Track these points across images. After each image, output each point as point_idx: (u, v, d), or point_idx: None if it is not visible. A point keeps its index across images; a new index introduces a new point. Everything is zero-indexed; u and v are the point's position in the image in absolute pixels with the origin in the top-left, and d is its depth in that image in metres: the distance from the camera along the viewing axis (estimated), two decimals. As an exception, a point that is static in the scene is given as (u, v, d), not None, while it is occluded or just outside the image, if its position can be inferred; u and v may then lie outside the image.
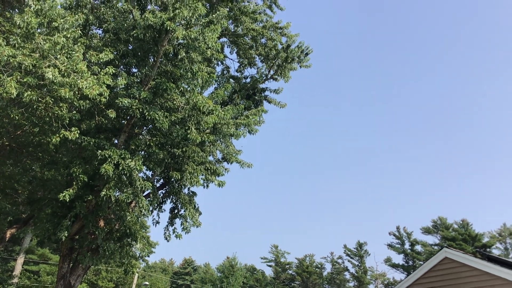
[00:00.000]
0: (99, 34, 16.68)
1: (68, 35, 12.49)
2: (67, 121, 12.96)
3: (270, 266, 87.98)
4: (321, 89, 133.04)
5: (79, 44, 13.42)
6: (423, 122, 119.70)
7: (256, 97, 20.68)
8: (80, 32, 14.15)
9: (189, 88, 15.26)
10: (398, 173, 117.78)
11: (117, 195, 13.84)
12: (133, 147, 14.45)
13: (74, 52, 12.52)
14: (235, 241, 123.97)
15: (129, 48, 15.50)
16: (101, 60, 13.41)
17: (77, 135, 12.66)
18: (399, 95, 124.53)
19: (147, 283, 49.66)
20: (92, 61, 13.47)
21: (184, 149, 14.86)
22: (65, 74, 11.95)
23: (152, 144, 14.51)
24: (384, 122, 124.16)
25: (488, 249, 61.29)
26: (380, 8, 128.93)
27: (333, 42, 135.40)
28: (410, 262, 66.01)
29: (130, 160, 13.10)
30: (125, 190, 13.33)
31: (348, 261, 78.32)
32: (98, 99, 12.53)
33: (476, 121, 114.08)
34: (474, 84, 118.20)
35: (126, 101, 13.38)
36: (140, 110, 13.57)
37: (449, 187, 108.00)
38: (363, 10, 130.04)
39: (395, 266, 70.94)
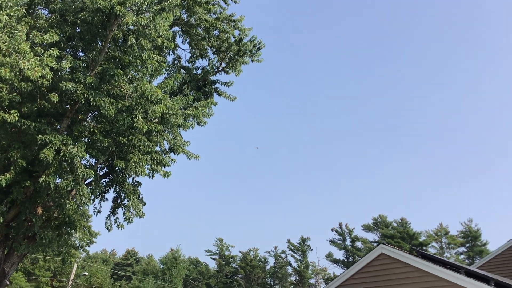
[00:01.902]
0: (45, 15, 16.05)
1: (12, 13, 11.95)
2: (7, 103, 12.42)
3: (214, 259, 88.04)
4: (272, 87, 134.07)
5: (22, 24, 12.87)
6: (372, 119, 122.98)
7: (207, 89, 20.53)
8: (25, 11, 13.57)
9: (137, 76, 14.95)
10: (343, 171, 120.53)
11: (57, 182, 13.41)
12: (76, 133, 14.00)
13: (16, 32, 12.00)
14: (180, 234, 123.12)
15: (76, 31, 14.98)
16: (46, 42, 12.92)
17: (17, 118, 12.18)
18: (348, 92, 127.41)
19: (86, 273, 48.43)
20: (36, 42, 12.96)
21: (130, 137, 14.54)
22: (6, 53, 11.43)
23: (96, 131, 14.12)
24: (331, 119, 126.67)
25: (424, 248, 63.89)
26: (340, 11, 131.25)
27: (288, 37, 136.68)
28: (350, 258, 67.87)
29: (72, 146, 12.70)
30: (65, 177, 12.90)
31: (291, 255, 79.55)
32: (40, 82, 12.08)
33: (424, 124, 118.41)
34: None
35: (70, 85, 12.94)
36: (85, 95, 13.17)
37: (391, 187, 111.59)
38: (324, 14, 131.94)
39: (336, 261, 72.74)
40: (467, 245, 66.87)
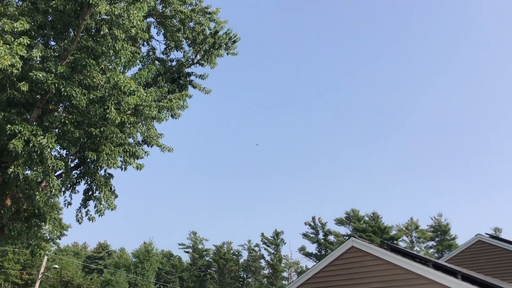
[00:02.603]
0: (16, 2, 15.66)
1: (-20, 0, 11.61)
2: (-26, 92, 12.10)
3: (187, 252, 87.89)
4: (249, 80, 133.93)
5: (-9, 11, 12.53)
6: (344, 114, 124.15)
7: (181, 81, 20.38)
8: (-6, -2, 13.20)
9: (110, 66, 14.74)
10: (317, 165, 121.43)
11: (27, 173, 13.15)
12: (46, 123, 13.73)
13: (-15, 19, 11.68)
14: (153, 227, 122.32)
15: (48, 19, 14.66)
16: (16, 30, 12.61)
17: (-16, 107, 11.88)
18: (326, 85, 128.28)
19: (56, 266, 47.71)
20: (6, 30, 12.63)
21: (102, 129, 14.34)
22: (-26, 41, 11.12)
23: (67, 122, 13.88)
24: (308, 116, 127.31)
25: (395, 241, 65.04)
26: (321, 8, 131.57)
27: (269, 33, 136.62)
28: (323, 252, 68.65)
29: (42, 137, 12.47)
30: (35, 168, 12.66)
31: (265, 249, 79.98)
32: (10, 70, 11.80)
33: (395, 120, 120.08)
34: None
35: (41, 75, 12.67)
36: (56, 85, 12.91)
37: (364, 181, 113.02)
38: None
39: (308, 255, 73.47)
40: (437, 239, 68.36)
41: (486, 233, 22.27)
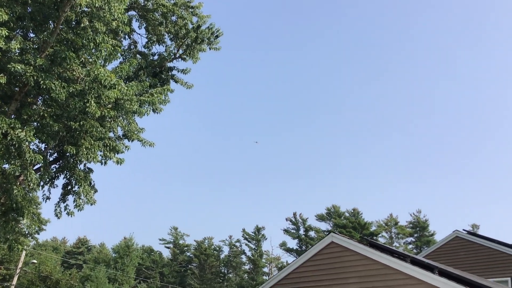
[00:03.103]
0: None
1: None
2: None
3: (168, 247, 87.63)
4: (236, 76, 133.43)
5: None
6: (326, 111, 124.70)
7: (163, 76, 20.25)
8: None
9: (91, 60, 14.58)
10: (298, 161, 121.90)
11: (4, 167, 12.97)
12: (25, 116, 13.53)
13: (-38, 9, 11.45)
14: (134, 222, 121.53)
15: (27, 11, 14.42)
16: (-6, 21, 12.39)
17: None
18: (307, 85, 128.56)
19: (35, 261, 47.08)
20: (-17, 20, 12.39)
21: (81, 122, 14.17)
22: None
23: (46, 115, 13.69)
24: (292, 113, 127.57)
25: (375, 237, 65.75)
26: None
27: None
28: (304, 247, 69.12)
29: (20, 130, 12.29)
30: (12, 162, 12.48)
31: (246, 244, 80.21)
32: (-13, 62, 11.60)
33: (376, 118, 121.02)
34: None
35: (19, 67, 12.47)
36: (35, 78, 12.73)
37: (344, 177, 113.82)
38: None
39: (289, 250, 73.93)
40: (416, 235, 69.36)
41: (463, 230, 22.66)
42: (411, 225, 70.29)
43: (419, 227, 69.14)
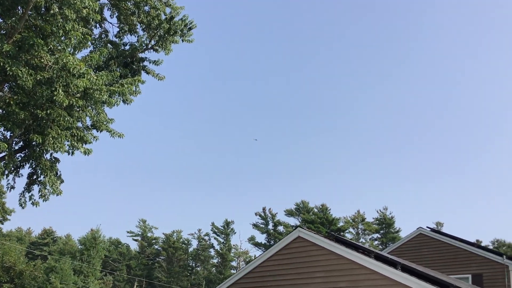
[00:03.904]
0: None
1: None
2: None
3: (136, 240, 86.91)
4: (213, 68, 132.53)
5: None
6: (296, 104, 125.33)
7: (134, 66, 19.97)
8: None
9: (60, 47, 14.29)
10: (269, 156, 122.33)
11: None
12: (-11, 103, 13.22)
13: None
14: (101, 214, 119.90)
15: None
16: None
17: None
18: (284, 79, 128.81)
19: (-2, 251, 46.12)
20: None
21: (49, 111, 13.90)
22: None
23: (12, 102, 13.39)
24: (260, 103, 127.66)
25: (342, 233, 66.72)
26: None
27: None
28: (272, 242, 69.58)
29: (-16, 117, 11.99)
30: (-25, 150, 12.19)
31: (215, 238, 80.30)
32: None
33: (342, 111, 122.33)
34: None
35: (-16, 52, 12.16)
36: (2, 64, 12.42)
37: (314, 173, 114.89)
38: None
39: (258, 244, 74.36)
40: (381, 231, 70.68)
41: (427, 227, 23.22)
42: (377, 221, 71.57)
43: (385, 224, 70.46)
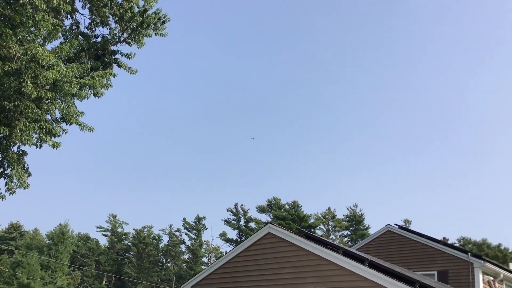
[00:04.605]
0: None
1: None
2: None
3: (105, 235, 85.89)
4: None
5: None
6: (271, 109, 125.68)
7: (106, 59, 19.67)
8: None
9: (29, 38, 13.99)
10: (242, 153, 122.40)
11: None
12: (-46, 94, 12.84)
13: None
14: (70, 209, 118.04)
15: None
16: None
17: None
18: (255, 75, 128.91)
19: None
20: None
21: (16, 103, 13.59)
22: None
23: (-22, 93, 13.05)
24: (238, 100, 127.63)
25: (312, 230, 67.33)
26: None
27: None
28: (243, 238, 69.71)
29: None
30: None
31: (186, 234, 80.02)
32: None
33: (317, 109, 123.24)
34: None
35: (-51, 41, 11.81)
36: (-33, 53, 12.10)
37: (286, 170, 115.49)
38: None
39: (229, 240, 74.44)
40: (351, 228, 71.65)
41: (395, 224, 23.61)
42: (347, 218, 72.50)
43: (355, 221, 71.43)
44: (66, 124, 16.97)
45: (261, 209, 72.97)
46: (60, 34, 15.36)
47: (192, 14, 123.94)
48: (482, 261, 19.13)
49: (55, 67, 13.15)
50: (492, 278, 19.52)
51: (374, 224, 73.99)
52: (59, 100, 16.18)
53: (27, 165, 15.94)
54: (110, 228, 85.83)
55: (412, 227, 60.05)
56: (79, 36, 19.67)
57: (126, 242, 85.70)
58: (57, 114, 16.73)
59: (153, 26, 19.73)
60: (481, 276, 19.03)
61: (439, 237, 43.09)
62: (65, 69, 13.58)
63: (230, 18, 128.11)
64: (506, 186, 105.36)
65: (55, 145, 15.31)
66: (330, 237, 69.53)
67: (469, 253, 20.02)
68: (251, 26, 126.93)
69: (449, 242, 58.13)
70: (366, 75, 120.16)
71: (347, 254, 12.21)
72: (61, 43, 17.67)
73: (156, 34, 20.10)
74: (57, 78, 13.47)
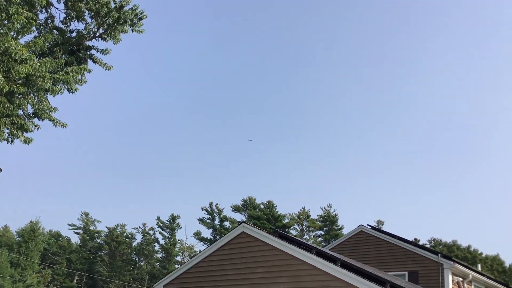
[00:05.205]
0: None
1: None
2: None
3: (77, 233, 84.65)
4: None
5: None
6: (249, 107, 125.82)
7: (81, 54, 19.40)
8: None
9: (2, 31, 13.71)
10: (217, 151, 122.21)
11: None
12: None
13: None
14: (42, 206, 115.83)
15: None
16: None
17: None
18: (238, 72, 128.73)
19: None
20: None
21: (-13, 97, 13.35)
22: None
23: None
24: (217, 101, 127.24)
25: (287, 229, 67.65)
26: None
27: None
28: (218, 237, 69.58)
29: None
30: None
31: (160, 233, 79.42)
32: None
33: (292, 112, 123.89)
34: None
35: None
36: None
37: (262, 169, 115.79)
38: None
39: (203, 240, 74.25)
40: (325, 228, 72.26)
41: (368, 225, 23.90)
42: (321, 219, 73.08)
43: (329, 221, 72.06)
44: (39, 120, 16.70)
45: (236, 209, 73.00)
46: (34, 28, 15.11)
47: (168, 11, 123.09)
48: (452, 262, 19.51)
49: (28, 61, 12.94)
50: (461, 279, 19.93)
51: (348, 225, 74.77)
52: (32, 95, 15.93)
53: (-3, 160, 15.64)
54: (82, 226, 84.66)
55: (384, 228, 61.00)
56: (54, 31, 19.35)
57: (99, 241, 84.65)
58: (30, 109, 16.46)
59: (129, 22, 19.56)
60: (450, 276, 19.40)
61: (411, 238, 43.74)
62: (38, 64, 13.38)
63: (213, 15, 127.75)
64: (476, 188, 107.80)
65: (27, 141, 15.07)
66: (304, 237, 69.97)
67: (439, 254, 20.38)
68: (231, 22, 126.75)
69: (420, 243, 59.11)
70: (341, 74, 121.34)
71: (320, 254, 12.32)
72: (35, 37, 17.36)
73: (132, 31, 19.92)
74: (30, 72, 13.26)
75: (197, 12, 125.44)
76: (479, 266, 29.46)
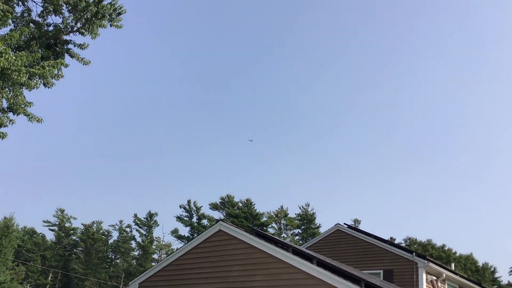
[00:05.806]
0: None
1: None
2: None
3: (52, 230, 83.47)
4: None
5: None
6: (234, 106, 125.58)
7: (58, 49, 19.12)
8: None
9: (-23, 24, 13.46)
10: (197, 149, 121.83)
11: None
12: None
13: None
14: (16, 202, 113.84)
15: None
16: None
17: None
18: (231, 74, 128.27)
19: None
20: None
21: (-40, 90, 13.07)
22: None
23: None
24: (195, 97, 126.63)
25: (265, 228, 67.82)
26: None
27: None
28: (196, 235, 69.35)
29: None
30: None
31: (137, 230, 78.79)
32: None
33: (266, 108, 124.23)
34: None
35: None
36: None
37: (240, 167, 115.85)
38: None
39: (181, 237, 73.94)
40: (303, 227, 72.64)
41: (345, 223, 24.08)
42: (299, 217, 73.45)
43: (306, 220, 72.48)
44: (14, 114, 16.44)
45: (214, 206, 72.86)
46: (10, 21, 14.89)
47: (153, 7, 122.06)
48: (426, 261, 19.79)
49: (3, 54, 12.73)
50: (435, 278, 20.24)
51: (325, 224, 75.40)
52: (7, 89, 15.65)
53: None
54: (57, 223, 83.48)
55: (361, 227, 61.56)
56: (30, 24, 19.02)
57: (74, 238, 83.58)
58: (4, 104, 16.18)
59: (108, 17, 19.35)
60: (424, 275, 19.68)
61: (387, 237, 44.36)
62: (14, 57, 13.16)
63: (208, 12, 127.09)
64: (451, 187, 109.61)
65: (1, 136, 14.82)
66: (282, 236, 70.24)
67: (414, 253, 20.63)
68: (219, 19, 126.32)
69: (396, 242, 59.91)
70: (324, 76, 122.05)
71: (296, 252, 12.38)
72: (11, 30, 17.05)
73: (111, 26, 19.72)
74: (5, 66, 13.04)
75: (186, 8, 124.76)
76: (453, 265, 29.92)
